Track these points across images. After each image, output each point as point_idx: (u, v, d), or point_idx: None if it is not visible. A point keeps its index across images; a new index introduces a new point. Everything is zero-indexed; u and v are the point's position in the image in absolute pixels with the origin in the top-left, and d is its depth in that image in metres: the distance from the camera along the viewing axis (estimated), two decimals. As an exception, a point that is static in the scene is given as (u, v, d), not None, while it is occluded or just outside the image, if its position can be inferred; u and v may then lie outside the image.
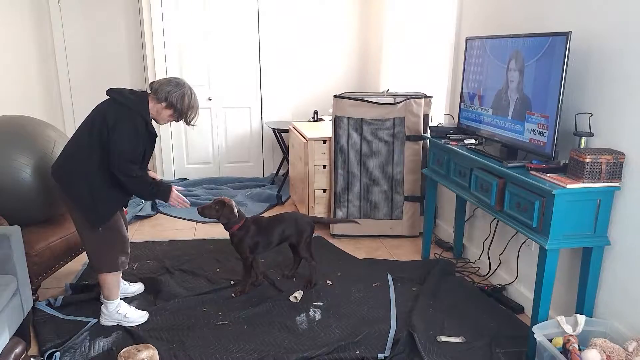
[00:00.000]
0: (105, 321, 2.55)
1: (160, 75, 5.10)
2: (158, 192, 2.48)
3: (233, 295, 2.86)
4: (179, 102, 2.41)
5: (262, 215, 4.39)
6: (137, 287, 2.92)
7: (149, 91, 2.46)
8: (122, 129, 2.29)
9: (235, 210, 2.78)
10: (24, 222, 2.53)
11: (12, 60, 4.11)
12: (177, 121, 2.51)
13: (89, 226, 2.40)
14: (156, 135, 2.48)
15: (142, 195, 2.57)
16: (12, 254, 2.14)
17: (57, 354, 2.29)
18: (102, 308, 2.55)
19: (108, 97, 2.40)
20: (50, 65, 5.03)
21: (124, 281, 2.85)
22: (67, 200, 2.42)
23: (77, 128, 2.43)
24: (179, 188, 2.60)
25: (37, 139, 2.65)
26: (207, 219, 3.32)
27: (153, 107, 2.42)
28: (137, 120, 2.34)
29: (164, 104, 2.41)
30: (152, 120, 2.46)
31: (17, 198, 2.54)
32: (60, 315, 2.64)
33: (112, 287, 2.52)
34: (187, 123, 2.53)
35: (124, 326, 2.54)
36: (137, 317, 2.57)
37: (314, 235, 3.01)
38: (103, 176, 2.35)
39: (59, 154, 2.49)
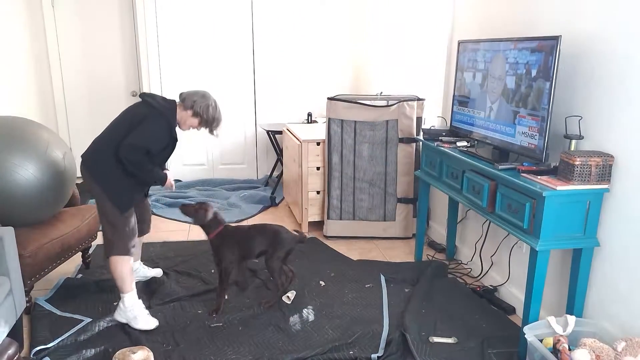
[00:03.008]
0: (118, 316, 2.57)
1: (154, 76, 5.11)
2: (157, 175, 2.59)
3: (208, 315, 2.69)
4: (204, 112, 2.63)
5: (255, 215, 4.41)
6: (156, 272, 3.10)
7: (178, 100, 2.66)
8: (146, 125, 2.47)
9: (209, 215, 2.68)
10: (17, 224, 2.53)
11: (4, 61, 4.10)
12: (199, 129, 2.71)
13: (108, 211, 2.50)
14: (177, 140, 2.64)
15: (140, 176, 2.57)
16: (5, 255, 2.14)
17: (47, 359, 2.28)
18: (120, 302, 2.57)
19: (140, 100, 2.59)
20: (43, 65, 5.01)
21: (144, 265, 3.07)
22: (93, 187, 2.52)
23: (107, 126, 2.59)
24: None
25: (30, 140, 2.65)
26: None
27: (179, 113, 2.63)
28: (162, 123, 2.53)
29: (190, 112, 2.63)
30: (177, 125, 2.66)
31: (10, 199, 2.53)
32: (58, 312, 2.65)
33: (124, 277, 2.53)
34: (211, 132, 2.74)
35: (121, 327, 2.53)
36: (143, 322, 2.54)
37: (308, 236, 2.97)
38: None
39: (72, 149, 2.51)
